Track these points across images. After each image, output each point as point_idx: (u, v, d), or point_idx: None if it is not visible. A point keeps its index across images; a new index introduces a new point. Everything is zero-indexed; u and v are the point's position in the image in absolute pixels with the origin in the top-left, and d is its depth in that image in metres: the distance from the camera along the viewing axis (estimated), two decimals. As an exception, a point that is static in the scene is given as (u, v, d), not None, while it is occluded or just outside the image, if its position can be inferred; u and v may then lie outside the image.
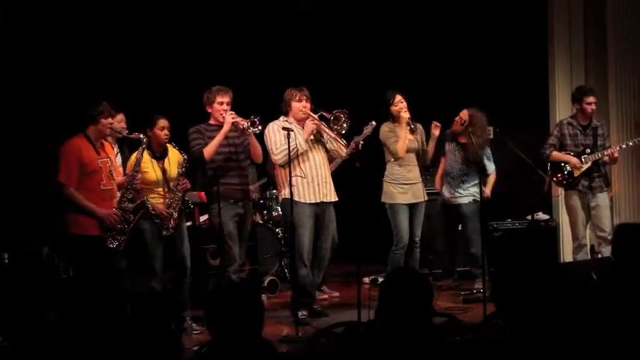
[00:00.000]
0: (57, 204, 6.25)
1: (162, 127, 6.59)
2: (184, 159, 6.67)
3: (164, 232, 6.53)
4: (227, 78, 7.13)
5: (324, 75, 9.01)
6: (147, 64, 8.75)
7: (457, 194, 7.78)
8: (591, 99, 7.65)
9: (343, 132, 6.95)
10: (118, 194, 6.27)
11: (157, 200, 6.53)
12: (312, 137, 6.97)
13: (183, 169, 6.67)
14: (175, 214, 6.56)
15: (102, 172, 6.13)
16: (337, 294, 8.02)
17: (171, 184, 6.60)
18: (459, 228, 8.01)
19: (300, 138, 6.84)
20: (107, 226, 6.07)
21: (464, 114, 7.61)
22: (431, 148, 7.59)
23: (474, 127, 7.59)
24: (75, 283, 6.25)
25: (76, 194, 6.01)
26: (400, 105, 7.43)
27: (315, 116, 6.95)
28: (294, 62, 9.14)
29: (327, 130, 6.96)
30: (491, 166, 7.90)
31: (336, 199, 7.12)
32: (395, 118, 7.48)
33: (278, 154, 6.84)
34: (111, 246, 6.12)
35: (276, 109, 7.07)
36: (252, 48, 9.30)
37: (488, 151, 7.85)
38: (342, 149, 7.11)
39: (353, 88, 9.04)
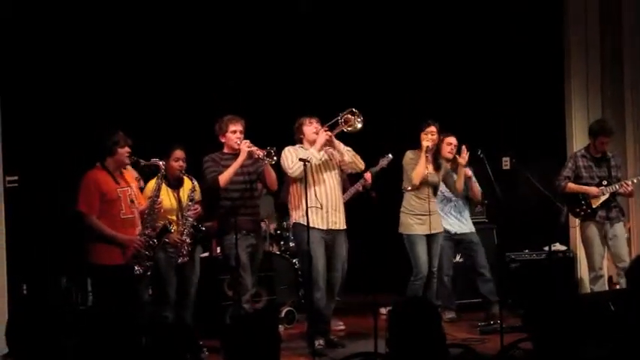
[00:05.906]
0: (75, 235, 6.27)
1: (177, 158, 6.73)
2: (193, 185, 6.74)
3: (179, 260, 6.60)
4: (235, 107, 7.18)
5: (331, 91, 9.02)
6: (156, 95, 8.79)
7: (465, 222, 8.02)
8: (606, 139, 7.68)
9: (359, 126, 6.81)
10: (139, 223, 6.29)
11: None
12: (326, 157, 6.93)
13: (193, 194, 6.74)
14: (188, 240, 6.66)
15: (121, 200, 6.15)
16: (342, 325, 7.93)
17: (184, 211, 6.68)
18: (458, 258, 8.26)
19: (312, 150, 6.82)
20: (132, 252, 6.09)
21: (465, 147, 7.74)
22: (460, 180, 7.71)
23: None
24: (95, 313, 6.25)
25: (98, 222, 6.05)
26: (430, 136, 7.45)
27: (326, 128, 6.89)
28: (302, 91, 9.16)
29: (338, 144, 6.89)
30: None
31: (345, 227, 7.06)
32: (422, 147, 7.48)
33: (293, 166, 6.77)
34: (137, 272, 6.14)
35: (286, 130, 7.09)
36: (259, 70, 9.30)
37: None
38: (359, 162, 7.03)
39: (355, 95, 9.04)
